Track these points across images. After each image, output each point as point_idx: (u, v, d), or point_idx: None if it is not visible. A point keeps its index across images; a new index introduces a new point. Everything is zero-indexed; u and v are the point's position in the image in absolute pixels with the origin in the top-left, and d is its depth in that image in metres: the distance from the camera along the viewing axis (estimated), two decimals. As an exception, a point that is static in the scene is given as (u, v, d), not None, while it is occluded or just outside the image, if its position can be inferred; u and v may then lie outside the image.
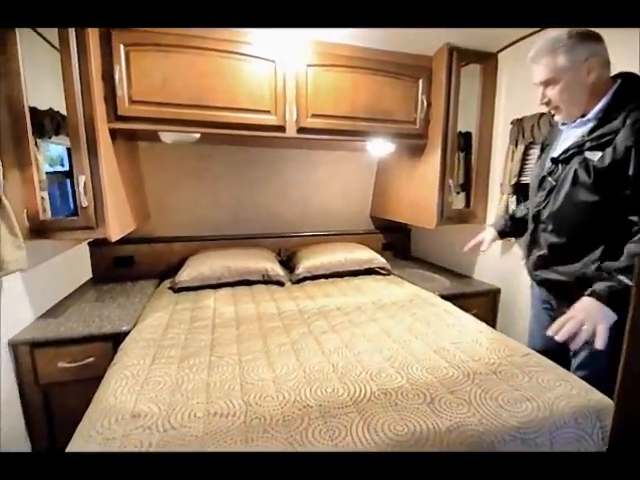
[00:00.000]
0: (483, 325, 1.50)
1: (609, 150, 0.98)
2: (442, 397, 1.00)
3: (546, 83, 1.09)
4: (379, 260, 2.32)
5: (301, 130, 1.78)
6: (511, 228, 1.50)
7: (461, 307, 1.71)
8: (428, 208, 2.02)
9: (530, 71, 1.12)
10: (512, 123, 1.84)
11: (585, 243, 1.09)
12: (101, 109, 1.46)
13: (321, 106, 1.78)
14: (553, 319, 1.28)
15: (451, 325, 1.50)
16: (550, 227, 1.17)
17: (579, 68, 1.02)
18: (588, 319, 0.94)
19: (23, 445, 1.41)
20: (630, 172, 0.96)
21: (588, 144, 1.04)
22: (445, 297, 1.88)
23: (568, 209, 1.11)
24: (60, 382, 1.42)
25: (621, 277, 0.96)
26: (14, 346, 1.35)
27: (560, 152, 1.15)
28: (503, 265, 1.95)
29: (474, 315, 1.63)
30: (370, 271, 2.32)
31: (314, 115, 1.78)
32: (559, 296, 1.23)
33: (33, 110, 1.34)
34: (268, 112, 1.71)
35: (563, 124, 1.19)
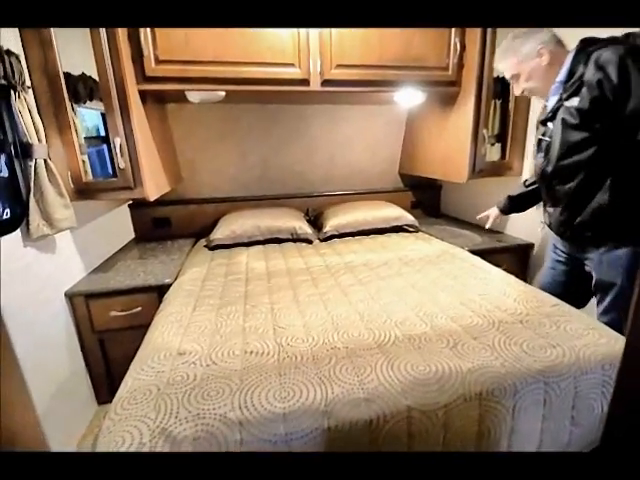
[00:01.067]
0: (512, 278, 1.49)
1: (584, 90, 1.06)
2: (465, 342, 1.03)
3: (512, 78, 1.27)
4: (407, 217, 2.30)
5: (326, 82, 1.73)
6: (511, 204, 1.68)
7: (491, 262, 1.69)
8: (459, 161, 1.94)
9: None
10: (555, 64, 1.69)
11: (590, 186, 1.15)
12: (130, 71, 1.49)
13: (346, 56, 1.70)
14: (562, 263, 1.41)
15: (479, 279, 1.49)
16: (557, 180, 1.23)
17: (531, 58, 1.19)
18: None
19: (85, 384, 1.61)
20: (611, 98, 1.00)
21: (565, 95, 1.13)
22: (474, 252, 1.86)
23: (567, 155, 1.16)
24: (113, 329, 1.58)
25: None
26: (70, 297, 1.51)
27: (545, 114, 1.25)
28: (537, 220, 1.88)
29: (504, 270, 1.61)
30: (398, 229, 2.31)
31: (339, 66, 1.71)
32: (573, 244, 1.32)
33: (67, 75, 1.39)
34: (291, 65, 1.66)
35: (546, 101, 1.26)
